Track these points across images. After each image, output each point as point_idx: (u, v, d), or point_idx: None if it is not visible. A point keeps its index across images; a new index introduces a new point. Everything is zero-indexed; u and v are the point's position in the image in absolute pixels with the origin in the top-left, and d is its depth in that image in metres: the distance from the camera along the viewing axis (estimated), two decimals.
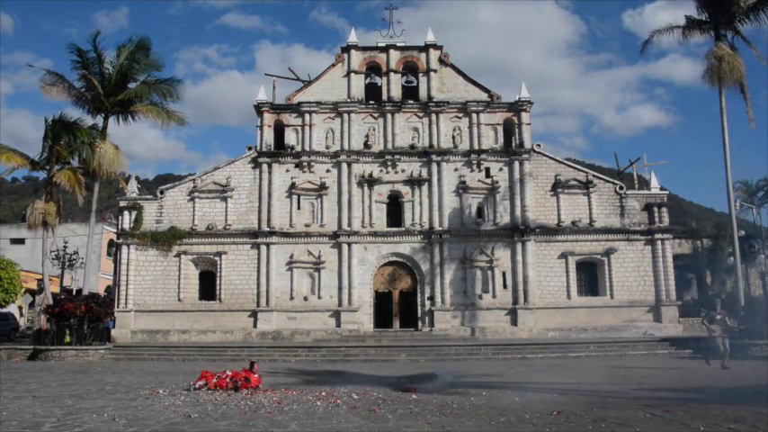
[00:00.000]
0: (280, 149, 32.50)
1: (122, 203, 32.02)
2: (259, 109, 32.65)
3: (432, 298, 30.74)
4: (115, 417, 9.13)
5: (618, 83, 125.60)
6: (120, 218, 32.09)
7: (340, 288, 30.95)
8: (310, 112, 32.62)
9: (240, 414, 9.43)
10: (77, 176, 29.91)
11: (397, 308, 31.45)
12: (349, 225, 31.50)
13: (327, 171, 32.13)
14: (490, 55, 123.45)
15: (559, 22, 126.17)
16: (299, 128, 32.65)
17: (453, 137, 32.44)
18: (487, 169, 32.13)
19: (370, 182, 31.89)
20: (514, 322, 30.43)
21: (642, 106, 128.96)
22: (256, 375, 13.06)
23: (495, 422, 8.63)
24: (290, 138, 32.61)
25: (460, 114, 32.73)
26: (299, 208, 31.86)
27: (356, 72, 33.29)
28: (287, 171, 32.20)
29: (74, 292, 34.78)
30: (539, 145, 32.54)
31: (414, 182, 31.98)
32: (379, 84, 33.74)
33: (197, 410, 9.75)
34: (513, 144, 32.43)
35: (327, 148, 32.36)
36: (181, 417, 9.20)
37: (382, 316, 31.20)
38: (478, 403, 10.48)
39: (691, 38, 29.25)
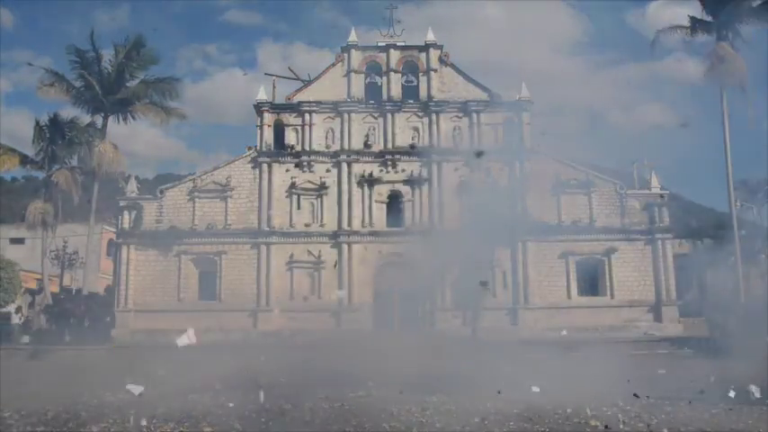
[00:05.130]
0: (280, 149, 32.43)
1: (122, 203, 31.91)
2: (259, 108, 32.59)
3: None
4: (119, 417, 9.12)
5: (625, 81, 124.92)
6: (119, 218, 32.01)
7: (340, 288, 30.88)
8: (310, 112, 32.56)
9: (247, 412, 9.42)
10: (74, 176, 29.95)
11: (397, 308, 31.36)
12: (349, 225, 31.45)
13: (327, 171, 32.07)
14: (493, 53, 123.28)
15: (565, 21, 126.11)
16: (299, 127, 32.60)
17: (453, 137, 32.40)
18: (488, 169, 32.05)
19: (370, 182, 31.83)
20: (515, 322, 30.39)
21: (647, 105, 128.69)
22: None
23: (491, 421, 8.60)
24: (290, 137, 32.56)
25: (461, 114, 32.69)
26: (298, 208, 31.80)
27: (356, 71, 33.23)
28: (287, 171, 32.14)
29: (73, 292, 34.79)
30: (539, 145, 32.49)
31: (414, 182, 31.92)
32: (380, 83, 33.66)
33: (202, 409, 9.73)
34: (514, 144, 32.35)
35: (327, 147, 32.30)
36: (186, 415, 9.19)
37: (382, 316, 31.10)
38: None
39: (693, 38, 29.29)
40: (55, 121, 30.37)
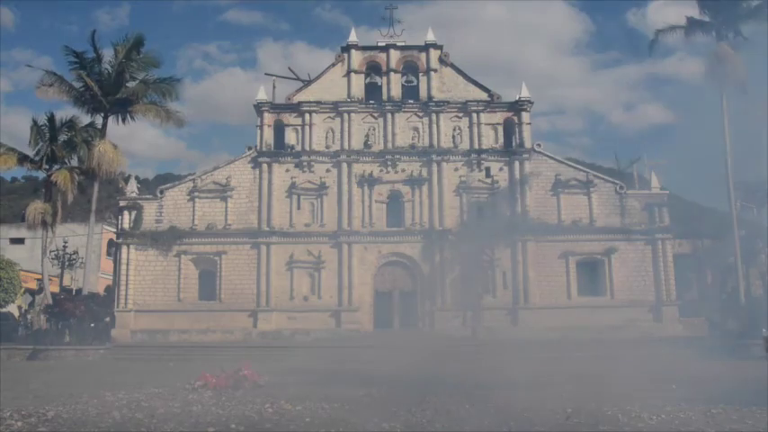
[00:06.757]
0: (280, 149, 32.47)
1: (122, 203, 31.94)
2: (259, 108, 32.61)
3: None
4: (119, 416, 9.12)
5: (625, 81, 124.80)
6: (119, 218, 32.03)
7: (340, 288, 30.90)
8: (310, 112, 32.58)
9: (247, 412, 9.42)
10: (72, 176, 29.94)
11: (397, 308, 31.39)
12: (349, 225, 31.46)
13: (327, 171, 32.09)
14: (495, 53, 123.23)
15: (567, 20, 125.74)
16: (299, 127, 32.62)
17: (453, 137, 32.42)
18: (488, 169, 32.10)
19: (370, 182, 31.85)
20: (515, 322, 30.39)
21: (650, 105, 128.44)
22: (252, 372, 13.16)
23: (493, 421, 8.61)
24: (290, 137, 32.57)
25: (461, 114, 32.70)
26: (298, 208, 31.82)
27: (356, 72, 33.24)
28: (287, 171, 32.17)
29: (73, 292, 34.77)
30: (539, 144, 32.53)
31: (414, 182, 31.94)
32: (380, 83, 33.69)
33: (202, 409, 9.74)
34: (514, 144, 32.40)
35: (327, 147, 32.33)
36: (186, 415, 9.19)
37: (382, 316, 31.14)
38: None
39: (693, 38, 29.31)
40: (52, 121, 30.37)
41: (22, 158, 30.80)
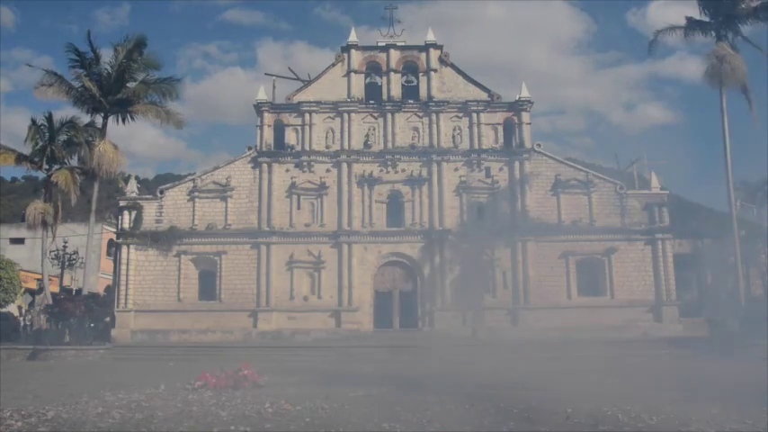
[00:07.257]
0: (280, 149, 32.48)
1: (122, 203, 31.95)
2: (259, 109, 32.62)
3: None
4: (118, 416, 9.12)
5: (626, 81, 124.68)
6: (119, 218, 32.03)
7: (340, 288, 30.92)
8: (310, 112, 32.59)
9: (247, 412, 9.42)
10: (74, 176, 29.92)
11: (397, 308, 31.40)
12: (349, 225, 31.47)
13: (327, 171, 32.11)
14: (496, 53, 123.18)
15: (567, 20, 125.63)
16: (299, 127, 32.63)
17: (453, 137, 32.43)
18: (488, 169, 32.11)
19: (370, 182, 31.86)
20: (515, 322, 30.39)
21: (650, 104, 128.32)
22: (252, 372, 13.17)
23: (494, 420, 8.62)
24: (290, 137, 32.59)
25: (461, 114, 32.71)
26: (298, 208, 31.83)
27: (356, 72, 33.25)
28: (287, 171, 32.18)
29: (73, 292, 34.76)
30: (539, 144, 32.54)
31: (414, 182, 31.95)
32: (380, 83, 33.71)
33: (202, 409, 9.74)
34: (514, 144, 32.42)
35: (327, 147, 32.34)
36: (186, 415, 9.19)
37: (382, 316, 31.15)
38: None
39: (692, 38, 29.31)
40: (51, 121, 30.37)
41: (21, 158, 30.77)
